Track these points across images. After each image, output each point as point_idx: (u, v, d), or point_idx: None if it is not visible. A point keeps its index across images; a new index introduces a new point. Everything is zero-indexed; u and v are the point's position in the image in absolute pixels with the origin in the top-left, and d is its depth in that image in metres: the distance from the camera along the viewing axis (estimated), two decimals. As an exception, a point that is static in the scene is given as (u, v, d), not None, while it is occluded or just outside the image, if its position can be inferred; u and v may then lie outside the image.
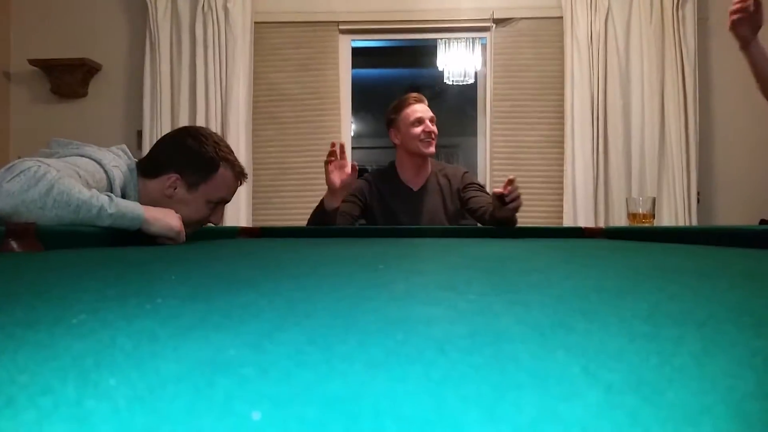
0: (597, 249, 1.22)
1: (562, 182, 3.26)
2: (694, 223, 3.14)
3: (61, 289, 0.47)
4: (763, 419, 0.16)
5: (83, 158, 1.34)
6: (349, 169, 2.02)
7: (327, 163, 2.02)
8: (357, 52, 3.64)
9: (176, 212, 1.42)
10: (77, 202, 1.17)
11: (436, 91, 5.17)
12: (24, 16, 3.55)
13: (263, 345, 0.24)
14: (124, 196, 1.40)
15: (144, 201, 1.42)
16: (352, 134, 3.82)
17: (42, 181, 1.14)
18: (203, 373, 0.20)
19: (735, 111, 3.30)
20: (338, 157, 2.02)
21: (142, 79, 3.35)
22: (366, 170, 3.64)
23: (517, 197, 1.92)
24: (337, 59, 3.42)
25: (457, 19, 3.42)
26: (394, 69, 6.14)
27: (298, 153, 3.39)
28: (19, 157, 1.21)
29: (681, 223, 3.11)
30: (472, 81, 3.84)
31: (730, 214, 3.27)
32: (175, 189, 1.46)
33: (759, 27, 1.86)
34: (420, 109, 2.24)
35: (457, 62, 3.76)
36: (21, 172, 1.13)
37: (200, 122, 3.27)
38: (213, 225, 1.67)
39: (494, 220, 2.03)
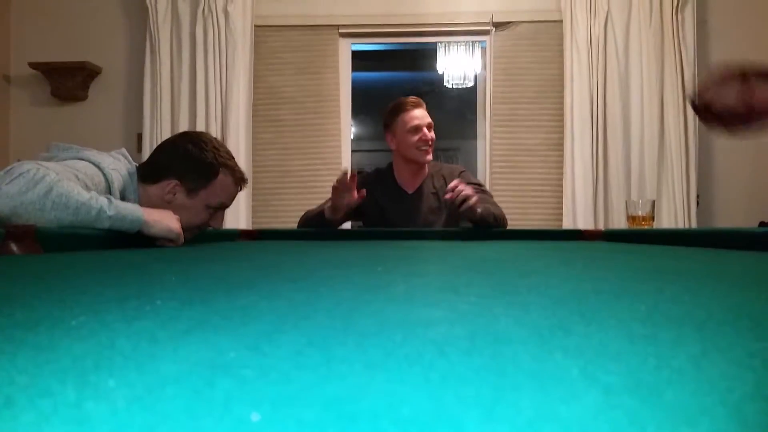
0: (596, 251, 1.22)
1: (561, 185, 3.26)
2: (694, 225, 3.14)
3: (60, 291, 0.47)
4: (762, 421, 0.16)
5: (82, 162, 1.35)
6: (355, 194, 1.98)
7: (335, 187, 1.99)
8: (357, 55, 3.64)
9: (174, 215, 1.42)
10: (76, 204, 1.17)
11: (435, 91, 5.17)
12: (24, 20, 3.56)
13: (262, 347, 0.24)
14: (123, 199, 1.40)
15: (143, 205, 1.42)
16: (352, 137, 3.82)
17: (41, 184, 1.14)
18: (203, 375, 0.20)
19: (734, 114, 3.30)
20: (348, 185, 1.97)
21: (143, 83, 3.36)
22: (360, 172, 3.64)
23: (466, 199, 1.90)
24: (337, 62, 3.43)
25: (456, 22, 3.43)
26: (394, 72, 6.15)
27: (298, 156, 3.40)
28: (18, 160, 1.21)
29: (680, 226, 3.11)
30: (471, 84, 3.84)
31: (730, 217, 3.27)
32: (175, 195, 1.46)
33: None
34: (418, 116, 2.20)
35: (457, 65, 3.77)
36: (20, 174, 1.14)
37: (200, 125, 3.27)
38: (213, 229, 1.67)
39: (470, 221, 2.02)
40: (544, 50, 3.36)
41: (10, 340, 0.26)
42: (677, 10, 3.19)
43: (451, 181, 2.23)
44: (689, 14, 3.21)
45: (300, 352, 0.23)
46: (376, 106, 5.76)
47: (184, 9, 3.36)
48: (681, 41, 3.18)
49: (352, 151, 3.62)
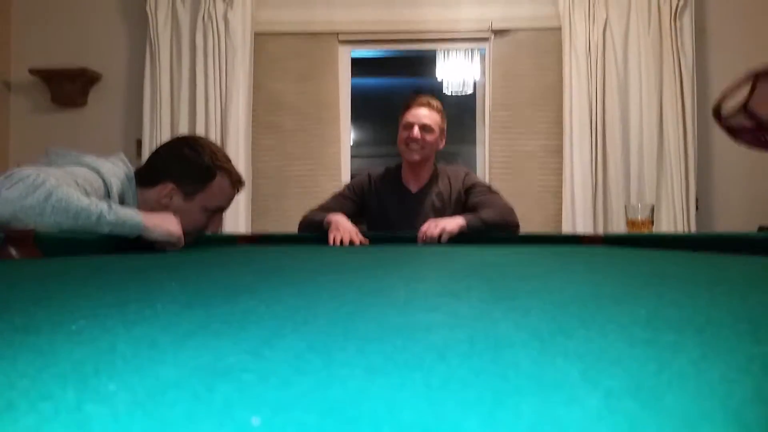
0: (596, 256, 1.22)
1: (561, 190, 3.26)
2: (693, 229, 3.14)
3: (60, 295, 0.47)
4: (762, 425, 0.16)
5: (81, 168, 1.35)
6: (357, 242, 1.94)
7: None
8: (356, 62, 3.65)
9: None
10: (76, 209, 1.18)
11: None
12: (24, 26, 3.56)
13: (263, 351, 0.24)
14: (122, 204, 1.40)
15: (142, 209, 1.42)
16: (351, 143, 3.83)
17: (40, 189, 1.14)
18: (203, 379, 0.20)
19: (733, 119, 3.31)
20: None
21: (142, 89, 3.36)
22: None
23: (434, 236, 1.92)
24: (337, 69, 3.44)
25: (456, 30, 3.44)
26: (394, 78, 6.16)
27: (297, 162, 3.40)
28: (18, 166, 1.22)
29: (680, 230, 3.11)
30: (471, 91, 3.84)
31: (729, 221, 3.27)
32: (172, 198, 1.46)
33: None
34: (416, 114, 2.17)
35: (456, 72, 3.77)
36: (20, 180, 1.14)
37: (200, 131, 3.27)
38: (211, 233, 1.67)
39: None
40: (543, 57, 3.36)
41: (11, 344, 0.26)
42: (676, 16, 3.20)
43: (455, 184, 2.24)
44: (688, 21, 3.22)
45: (300, 357, 0.23)
46: (375, 112, 5.77)
47: (184, 16, 3.36)
48: (680, 48, 3.19)
49: (352, 156, 3.62)
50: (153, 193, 1.46)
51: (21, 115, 3.56)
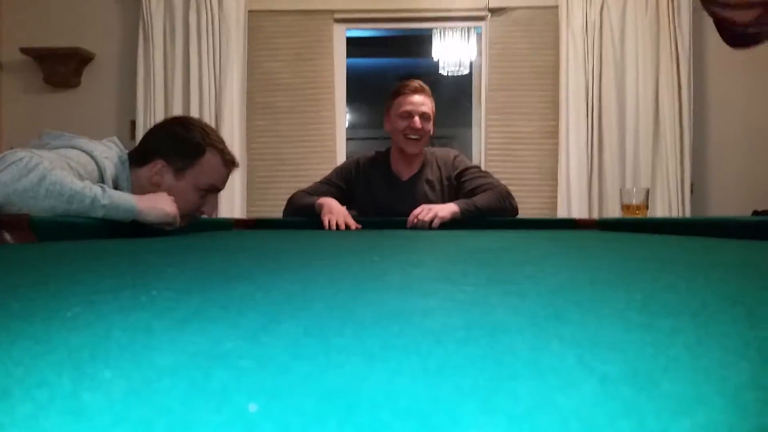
0: (590, 240, 1.22)
1: (556, 173, 3.26)
2: (688, 213, 3.16)
3: (55, 281, 0.47)
4: (758, 409, 0.16)
5: (74, 150, 1.34)
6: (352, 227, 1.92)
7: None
8: (352, 42, 3.62)
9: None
10: (70, 192, 1.17)
11: (430, 78, 5.15)
12: (15, 4, 3.52)
13: (260, 337, 0.24)
14: (116, 187, 1.40)
15: (136, 191, 1.42)
16: (347, 125, 3.81)
17: (34, 172, 1.13)
18: (199, 366, 0.20)
19: (729, 102, 3.31)
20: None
21: (136, 69, 3.33)
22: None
23: (425, 221, 1.90)
24: (332, 49, 3.41)
25: (452, 8, 3.41)
26: (389, 59, 6.12)
27: (293, 143, 3.38)
28: (12, 148, 1.21)
29: (674, 214, 3.12)
30: (467, 71, 3.82)
31: (724, 205, 3.29)
32: (163, 177, 1.46)
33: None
34: (413, 101, 2.09)
35: (452, 52, 3.74)
36: (13, 162, 1.13)
37: (194, 112, 3.25)
38: (207, 217, 1.66)
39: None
40: (539, 36, 3.34)
41: (6, 331, 0.26)
42: (673, -3, 3.18)
43: (446, 170, 2.19)
44: (685, 1, 3.20)
45: (297, 343, 0.23)
46: (371, 93, 5.73)
47: (177, -5, 3.32)
48: (677, 28, 3.17)
49: (347, 139, 3.61)
50: (144, 172, 1.46)
51: (13, 96, 3.53)
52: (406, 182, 2.20)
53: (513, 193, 2.13)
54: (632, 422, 0.15)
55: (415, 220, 1.91)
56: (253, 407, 0.16)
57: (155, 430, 0.14)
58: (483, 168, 2.93)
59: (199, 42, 3.29)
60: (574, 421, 0.15)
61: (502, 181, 2.19)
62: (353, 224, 1.91)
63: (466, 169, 2.19)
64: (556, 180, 3.26)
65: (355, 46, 3.99)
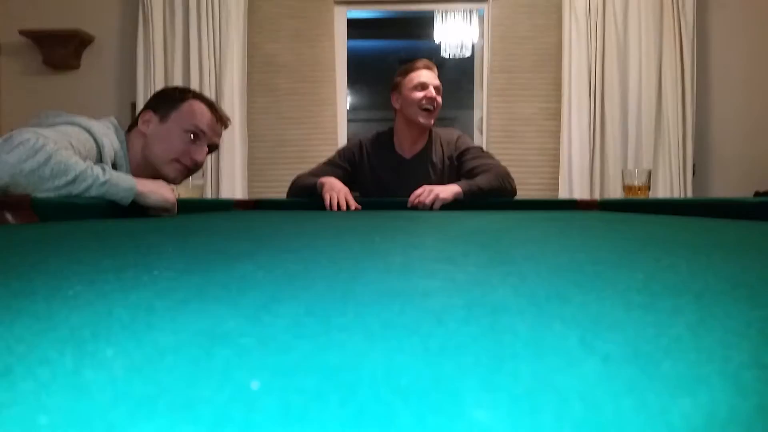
0: (592, 221, 1.22)
1: (558, 154, 3.25)
2: (689, 195, 3.15)
3: (57, 260, 0.47)
4: (759, 389, 0.16)
5: (73, 126, 1.34)
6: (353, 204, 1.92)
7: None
8: (353, 24, 3.59)
9: (155, 150, 1.49)
10: (75, 173, 1.18)
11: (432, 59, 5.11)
12: (13, -15, 3.48)
13: (261, 316, 0.24)
14: (114, 165, 1.41)
15: (133, 165, 1.47)
16: (348, 107, 3.79)
17: (40, 152, 1.14)
18: (201, 345, 0.20)
19: (732, 84, 3.29)
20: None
21: (136, 51, 3.31)
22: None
23: (425, 204, 1.90)
24: (333, 30, 3.38)
25: (454, -12, 3.37)
26: (391, 41, 6.07)
27: (294, 125, 3.37)
28: (11, 130, 1.21)
29: (676, 195, 3.12)
30: (469, 53, 3.79)
31: (725, 187, 3.28)
32: (149, 124, 1.51)
33: None
34: (426, 75, 2.12)
35: (454, 34, 3.71)
36: (20, 143, 1.13)
37: (194, 94, 3.23)
38: (207, 199, 1.67)
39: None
40: (542, 18, 3.31)
41: (8, 309, 0.26)
42: (678, -23, 3.14)
43: (448, 150, 2.20)
44: (690, -19, 3.16)
45: (299, 322, 0.23)
46: (372, 75, 5.70)
47: (177, -26, 3.29)
48: (680, 10, 3.14)
49: (348, 120, 3.59)
50: (135, 131, 1.51)
51: (12, 78, 3.51)
52: (410, 161, 2.21)
53: (514, 175, 2.14)
54: (634, 401, 0.15)
55: (416, 201, 1.91)
56: (255, 385, 0.16)
57: (157, 407, 0.14)
58: (485, 149, 2.93)
59: (199, 23, 3.27)
60: (575, 400, 0.15)
61: (504, 163, 2.19)
62: (353, 203, 1.91)
63: (468, 149, 2.19)
64: (558, 161, 3.25)
65: (356, 28, 3.95)
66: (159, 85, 3.29)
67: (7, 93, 3.51)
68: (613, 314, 0.25)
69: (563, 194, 3.19)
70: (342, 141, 3.42)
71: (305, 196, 2.10)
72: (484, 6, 3.43)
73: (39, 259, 0.48)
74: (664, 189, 3.17)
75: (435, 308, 0.26)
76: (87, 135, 1.35)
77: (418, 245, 0.66)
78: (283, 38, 3.38)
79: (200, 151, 1.55)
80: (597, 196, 3.15)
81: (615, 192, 3.13)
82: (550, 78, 3.30)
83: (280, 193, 3.28)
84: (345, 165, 2.23)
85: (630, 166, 3.16)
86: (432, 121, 2.15)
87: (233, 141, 3.25)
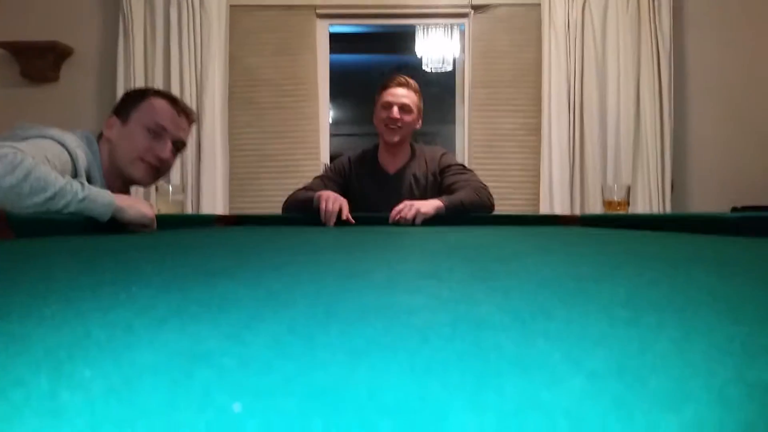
0: (574, 236, 1.23)
1: (539, 169, 3.29)
2: (668, 209, 3.20)
3: (33, 278, 0.46)
4: (744, 405, 0.16)
5: (47, 140, 1.33)
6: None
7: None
8: (335, 38, 3.61)
9: (119, 152, 1.49)
10: (54, 190, 1.16)
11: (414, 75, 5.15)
12: (-9, -2, 3.45)
13: (242, 335, 0.24)
14: (89, 178, 1.40)
15: (105, 170, 1.49)
16: (330, 121, 3.80)
17: (19, 168, 1.12)
18: (181, 365, 0.19)
19: (709, 99, 3.35)
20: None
21: (116, 64, 3.29)
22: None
23: (407, 219, 1.91)
24: (315, 44, 3.39)
25: (435, 5, 3.41)
26: (373, 55, 6.10)
27: (275, 139, 3.37)
28: None
29: (655, 210, 3.16)
30: (450, 68, 3.82)
31: (703, 202, 3.33)
32: (113, 129, 1.52)
33: None
34: (395, 93, 2.14)
35: (436, 49, 3.74)
36: None
37: (175, 108, 3.21)
38: (187, 214, 1.66)
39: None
40: (522, 34, 3.36)
41: (-20, 329, 0.25)
42: (654, -5, 3.21)
43: (432, 166, 2.22)
44: (666, 0, 3.23)
45: (281, 341, 0.23)
46: (354, 89, 5.72)
47: (158, -11, 3.28)
48: (657, 26, 3.21)
49: (331, 135, 3.60)
50: (103, 140, 1.52)
51: (-11, 91, 3.46)
52: (393, 176, 2.23)
53: (495, 190, 2.17)
54: (621, 419, 0.15)
55: (398, 217, 1.92)
56: (237, 407, 0.15)
57: (136, 430, 0.14)
58: (467, 164, 2.96)
59: (180, 36, 3.26)
60: (561, 418, 0.15)
61: (485, 178, 2.21)
62: (346, 212, 1.91)
63: (450, 165, 2.22)
64: (539, 176, 3.28)
65: (338, 42, 3.97)
66: (139, 100, 3.26)
67: (-16, 106, 3.46)
68: (598, 329, 0.25)
69: (544, 208, 3.22)
70: (325, 155, 3.42)
71: (302, 211, 2.08)
72: (464, 21, 3.47)
73: (13, 277, 0.47)
74: (644, 204, 3.21)
75: (419, 325, 0.26)
76: (60, 148, 1.34)
77: (402, 260, 0.66)
78: (265, 52, 3.38)
79: (163, 148, 1.54)
80: (578, 211, 3.18)
81: (595, 206, 3.16)
82: (531, 93, 3.34)
83: (262, 208, 3.27)
84: (338, 179, 2.25)
85: (609, 181, 3.20)
86: (396, 138, 2.15)
87: (214, 155, 3.23)
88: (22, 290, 0.38)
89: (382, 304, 0.32)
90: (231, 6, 3.34)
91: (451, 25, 3.62)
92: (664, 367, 0.19)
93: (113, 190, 1.44)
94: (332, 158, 2.43)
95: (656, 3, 3.22)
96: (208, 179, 3.22)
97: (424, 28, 3.69)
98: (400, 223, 1.92)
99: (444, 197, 2.03)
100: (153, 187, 2.31)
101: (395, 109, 2.13)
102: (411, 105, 2.16)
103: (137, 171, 1.51)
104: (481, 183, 2.14)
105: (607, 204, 2.24)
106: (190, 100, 3.25)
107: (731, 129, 3.34)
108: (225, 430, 0.14)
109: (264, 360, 0.20)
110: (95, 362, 0.20)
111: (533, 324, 0.27)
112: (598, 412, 0.15)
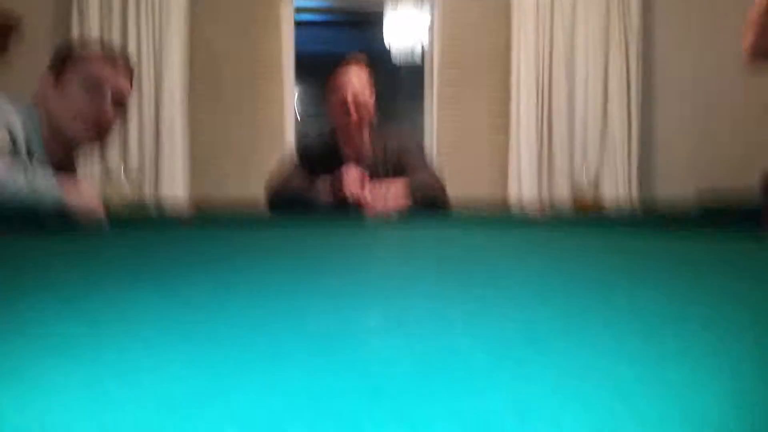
0: (544, 249, 1.19)
1: (507, 155, 3.28)
2: (635, 193, 3.22)
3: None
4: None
5: None
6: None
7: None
8: (302, 24, 3.51)
9: (56, 113, 1.40)
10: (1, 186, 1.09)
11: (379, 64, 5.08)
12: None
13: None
14: (28, 150, 1.32)
15: (43, 137, 1.39)
16: (296, 105, 3.71)
17: None
18: None
19: (676, 82, 3.38)
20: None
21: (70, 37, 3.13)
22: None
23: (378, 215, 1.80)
24: (279, 24, 3.29)
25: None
26: (341, 42, 6.00)
27: (238, 122, 3.26)
28: None
29: (621, 192, 3.19)
30: (418, 55, 3.75)
31: (669, 185, 3.36)
32: (46, 89, 1.42)
33: None
34: (343, 72, 1.98)
35: (403, 35, 3.64)
36: None
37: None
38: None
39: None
40: (491, 16, 3.33)
41: None
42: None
43: (391, 154, 2.08)
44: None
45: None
46: (320, 73, 5.62)
47: (113, -40, 3.12)
48: (626, 10, 3.23)
49: (297, 119, 3.51)
50: (39, 103, 1.42)
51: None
52: (354, 161, 2.05)
53: (465, 174, 2.08)
54: None
55: (372, 213, 1.80)
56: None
57: None
58: (436, 147, 2.89)
59: (138, 12, 3.11)
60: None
61: (454, 160, 2.13)
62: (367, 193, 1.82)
63: (409, 150, 2.10)
64: (507, 160, 3.27)
65: (305, 27, 3.87)
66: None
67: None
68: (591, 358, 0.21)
69: (513, 191, 3.21)
70: (290, 138, 3.34)
71: (298, 206, 1.94)
72: (431, 3, 3.42)
73: None
74: (610, 186, 3.24)
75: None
76: None
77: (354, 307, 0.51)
78: (228, 31, 3.25)
79: (103, 102, 1.44)
80: (545, 194, 3.19)
81: (562, 189, 3.18)
82: (499, 78, 3.32)
83: (224, 190, 3.17)
84: (306, 165, 2.08)
85: (577, 164, 3.23)
86: (353, 120, 2.00)
87: (173, 137, 3.10)
88: None
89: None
90: (191, -20, 3.20)
91: (419, 9, 3.55)
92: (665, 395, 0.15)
93: (55, 160, 1.36)
94: (298, 150, 2.30)
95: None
96: (167, 161, 3.09)
97: (391, 13, 3.60)
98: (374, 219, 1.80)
99: (409, 185, 1.88)
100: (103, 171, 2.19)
101: (349, 91, 1.97)
102: (364, 83, 2.02)
103: (77, 131, 1.39)
104: (438, 176, 2.04)
105: (578, 202, 2.22)
106: (147, 79, 3.10)
107: (698, 113, 3.38)
108: None
109: None
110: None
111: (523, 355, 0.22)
112: None
